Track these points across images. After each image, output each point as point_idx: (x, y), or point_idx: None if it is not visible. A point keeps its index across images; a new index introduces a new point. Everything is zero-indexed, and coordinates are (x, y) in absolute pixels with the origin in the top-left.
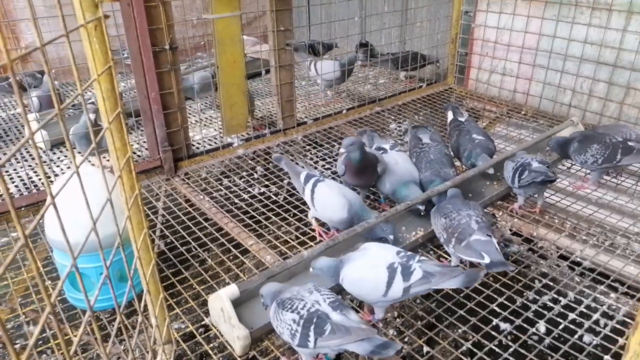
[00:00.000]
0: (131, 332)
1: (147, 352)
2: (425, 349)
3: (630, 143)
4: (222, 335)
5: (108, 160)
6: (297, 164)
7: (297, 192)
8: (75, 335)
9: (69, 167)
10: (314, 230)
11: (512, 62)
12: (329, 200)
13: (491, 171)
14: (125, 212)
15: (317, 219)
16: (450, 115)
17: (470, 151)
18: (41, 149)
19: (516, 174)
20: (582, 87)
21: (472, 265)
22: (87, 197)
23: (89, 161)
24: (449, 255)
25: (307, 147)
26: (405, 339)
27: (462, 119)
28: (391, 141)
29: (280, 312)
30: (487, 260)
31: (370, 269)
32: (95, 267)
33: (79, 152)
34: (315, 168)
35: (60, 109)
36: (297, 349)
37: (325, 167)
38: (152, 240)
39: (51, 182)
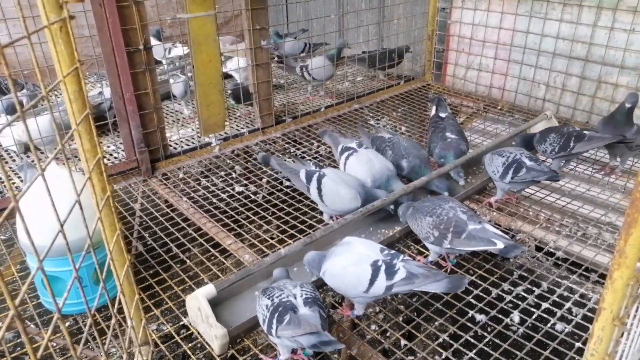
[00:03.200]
0: (108, 334)
1: (123, 354)
2: (403, 342)
3: (584, 132)
4: (200, 335)
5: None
6: (293, 161)
7: (276, 190)
8: (50, 340)
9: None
10: (295, 227)
11: (488, 57)
12: (338, 194)
13: (462, 183)
14: (96, 213)
15: (331, 217)
16: (433, 110)
17: (441, 150)
18: (14, 152)
19: (509, 170)
20: (556, 81)
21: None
22: (53, 199)
23: (64, 163)
24: (427, 250)
25: (287, 146)
26: (387, 334)
27: (443, 115)
28: (356, 140)
29: (261, 298)
30: (500, 245)
31: (354, 265)
32: (71, 271)
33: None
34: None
35: (22, 111)
36: (271, 339)
37: None
38: (129, 242)
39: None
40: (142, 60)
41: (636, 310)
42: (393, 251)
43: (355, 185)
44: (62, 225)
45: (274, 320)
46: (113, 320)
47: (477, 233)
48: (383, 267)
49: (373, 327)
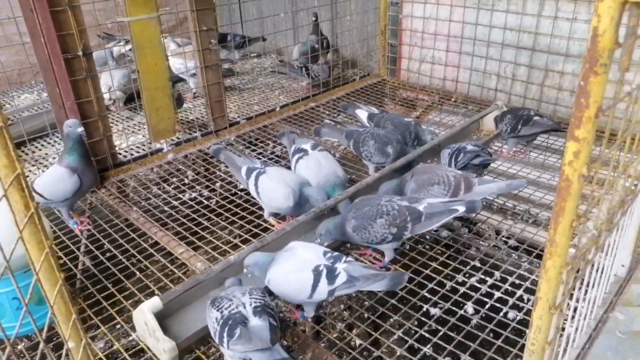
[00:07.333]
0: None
1: None
2: (359, 341)
3: (535, 117)
4: (150, 350)
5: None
6: (239, 155)
7: (230, 195)
8: None
9: None
10: (249, 232)
11: (440, 50)
12: (273, 192)
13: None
14: (17, 233)
15: (273, 216)
16: (363, 113)
17: (416, 133)
18: None
19: (452, 158)
20: (506, 71)
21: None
22: None
23: None
24: None
25: (242, 148)
26: (344, 334)
27: (377, 111)
28: (311, 141)
29: (210, 310)
30: (462, 208)
31: (296, 272)
32: (6, 292)
33: None
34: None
35: None
36: (223, 351)
37: None
38: (76, 258)
39: None
40: (83, 67)
41: (585, 293)
42: (336, 253)
43: (292, 184)
44: None
45: (225, 334)
46: (42, 346)
47: (433, 210)
48: (324, 272)
49: (334, 329)
